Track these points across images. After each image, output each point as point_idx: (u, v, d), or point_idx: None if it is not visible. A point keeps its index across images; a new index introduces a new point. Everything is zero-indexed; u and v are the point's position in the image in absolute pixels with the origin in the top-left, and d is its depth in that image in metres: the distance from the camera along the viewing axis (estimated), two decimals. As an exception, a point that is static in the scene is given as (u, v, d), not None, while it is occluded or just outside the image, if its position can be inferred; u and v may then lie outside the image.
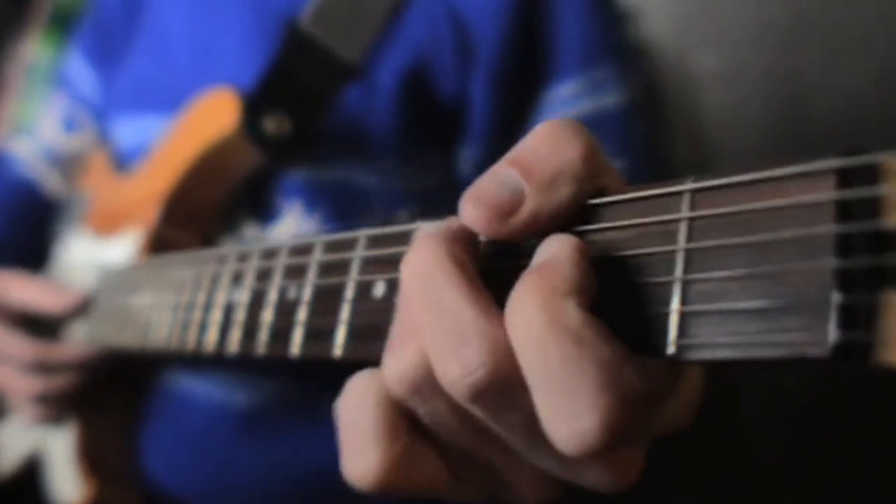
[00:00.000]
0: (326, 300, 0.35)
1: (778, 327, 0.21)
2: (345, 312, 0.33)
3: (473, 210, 0.25)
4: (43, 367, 0.60)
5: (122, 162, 0.70)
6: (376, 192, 0.59)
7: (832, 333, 0.19)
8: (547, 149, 0.25)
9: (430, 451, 0.26)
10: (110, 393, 0.64)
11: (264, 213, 0.60)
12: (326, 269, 0.35)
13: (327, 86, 0.56)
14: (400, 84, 0.57)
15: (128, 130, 0.69)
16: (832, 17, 0.77)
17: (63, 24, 0.90)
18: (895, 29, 0.74)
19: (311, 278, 0.36)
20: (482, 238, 0.27)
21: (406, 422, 0.26)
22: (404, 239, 0.32)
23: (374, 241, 0.33)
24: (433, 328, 0.24)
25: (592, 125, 0.59)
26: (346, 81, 0.57)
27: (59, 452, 0.64)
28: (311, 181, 0.59)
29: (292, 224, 0.59)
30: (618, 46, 0.61)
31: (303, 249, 0.37)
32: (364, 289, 0.33)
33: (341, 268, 0.34)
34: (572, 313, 0.22)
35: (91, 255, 0.65)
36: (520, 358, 0.22)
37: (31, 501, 0.66)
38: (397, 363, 0.25)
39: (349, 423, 0.27)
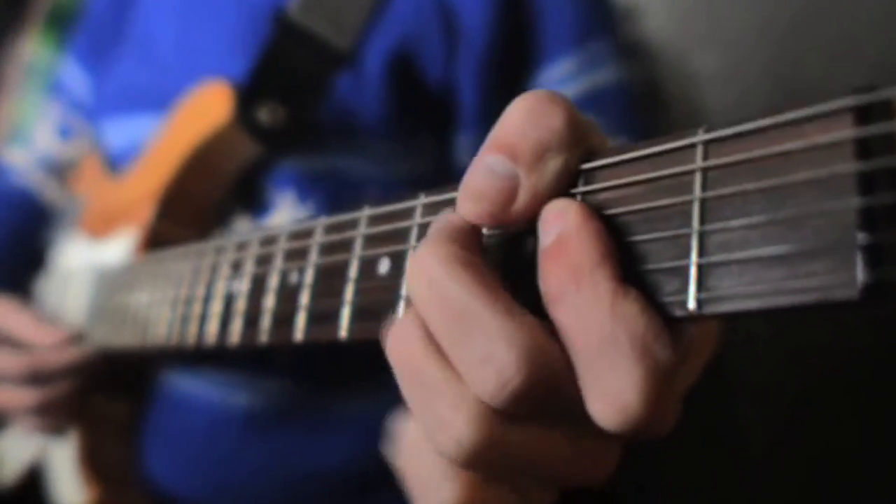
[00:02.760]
0: (329, 281, 0.34)
1: (803, 272, 0.20)
2: (349, 292, 0.32)
3: (472, 206, 0.24)
4: (37, 378, 0.59)
5: (114, 164, 0.69)
6: (368, 179, 0.59)
7: (860, 273, 0.19)
8: (527, 125, 0.24)
9: (498, 487, 0.26)
10: (110, 397, 0.63)
11: (256, 204, 0.59)
12: (328, 249, 0.35)
13: (319, 73, 0.56)
14: (387, 68, 0.57)
15: (117, 132, 0.68)
16: (831, 16, 0.77)
17: (61, 24, 0.89)
18: (894, 27, 0.74)
19: (313, 259, 0.35)
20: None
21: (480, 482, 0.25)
22: (407, 214, 0.31)
23: (376, 220, 0.32)
24: (460, 342, 0.23)
25: (591, 103, 0.58)
26: (337, 68, 0.56)
27: (62, 459, 0.63)
28: (302, 171, 0.58)
29: (285, 214, 0.58)
30: (610, 23, 0.60)
31: (303, 233, 0.37)
32: (368, 266, 0.32)
33: (344, 247, 0.34)
34: (603, 288, 0.22)
35: (87, 258, 0.64)
36: (563, 340, 0.22)
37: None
38: (450, 436, 0.24)
39: (414, 472, 0.26)
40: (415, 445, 0.26)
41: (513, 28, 0.57)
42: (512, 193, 0.24)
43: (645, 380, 0.21)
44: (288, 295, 0.36)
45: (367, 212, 0.33)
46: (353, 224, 0.33)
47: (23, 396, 0.60)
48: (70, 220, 0.72)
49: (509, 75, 0.58)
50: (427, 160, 0.60)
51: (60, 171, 0.77)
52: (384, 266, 0.31)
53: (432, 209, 0.30)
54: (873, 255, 0.19)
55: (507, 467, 0.25)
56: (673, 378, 0.22)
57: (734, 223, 0.21)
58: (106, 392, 0.62)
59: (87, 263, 0.64)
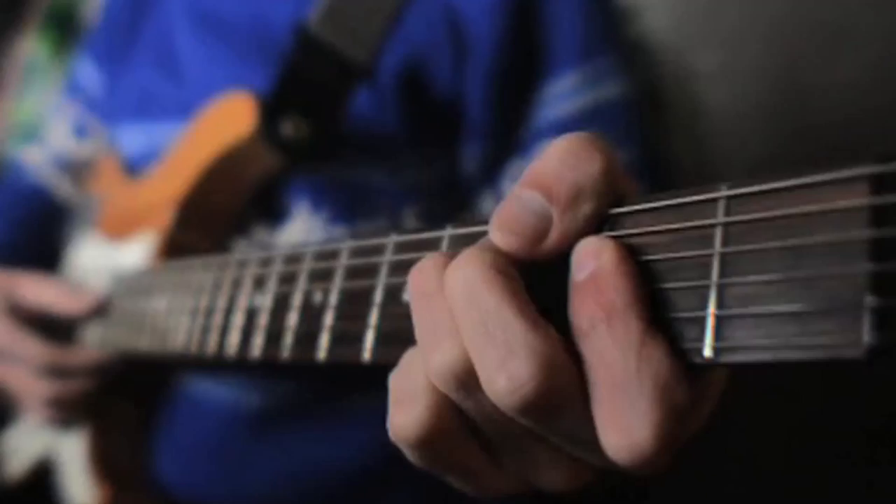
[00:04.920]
0: (354, 304, 0.35)
1: (813, 330, 0.21)
2: (373, 317, 0.34)
3: (503, 238, 0.25)
4: (57, 371, 0.60)
5: (130, 168, 0.70)
6: (381, 189, 0.60)
7: (867, 335, 0.20)
8: (566, 167, 0.25)
9: (470, 435, 0.27)
10: (122, 397, 0.64)
11: (273, 214, 0.60)
12: (353, 273, 0.36)
13: (340, 86, 0.57)
14: (398, 81, 0.58)
15: (134, 137, 0.70)
16: (831, 15, 0.77)
17: (59, 23, 0.91)
18: (893, 26, 0.74)
19: (338, 282, 0.36)
20: None
21: (449, 406, 0.26)
22: (434, 244, 0.32)
23: (403, 247, 0.34)
24: (480, 339, 0.24)
25: (595, 117, 0.60)
26: (357, 81, 0.57)
27: (72, 457, 0.64)
28: (317, 181, 0.59)
29: (301, 224, 0.59)
30: (615, 38, 0.61)
31: (328, 255, 0.38)
32: (393, 293, 0.33)
33: (369, 272, 0.35)
34: (634, 327, 0.23)
35: (103, 259, 0.66)
36: (586, 370, 0.23)
37: (43, 506, 0.67)
38: (441, 358, 0.25)
39: (398, 386, 0.28)
40: (413, 370, 0.27)
41: (520, 42, 0.58)
42: (544, 232, 0.25)
43: (662, 421, 0.22)
44: (311, 315, 0.37)
45: (393, 238, 0.34)
46: (379, 250, 0.35)
47: (38, 386, 0.61)
48: (86, 220, 0.74)
49: (516, 88, 0.59)
50: (437, 170, 0.62)
51: (75, 170, 0.79)
52: (409, 294, 0.32)
53: (460, 241, 0.31)
54: (881, 319, 0.20)
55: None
56: (687, 422, 0.23)
57: (751, 279, 0.23)
58: (119, 393, 0.63)
59: (103, 264, 0.65)
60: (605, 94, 0.58)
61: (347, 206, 0.59)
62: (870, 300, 0.20)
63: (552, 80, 0.58)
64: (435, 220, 0.61)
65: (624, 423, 0.22)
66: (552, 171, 0.25)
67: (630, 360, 0.22)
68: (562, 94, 0.58)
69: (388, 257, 0.34)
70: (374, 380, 0.66)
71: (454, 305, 0.25)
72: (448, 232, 0.32)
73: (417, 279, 0.27)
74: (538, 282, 0.26)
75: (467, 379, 0.25)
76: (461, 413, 0.26)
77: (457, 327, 0.25)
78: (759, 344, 0.22)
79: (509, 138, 0.59)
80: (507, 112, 0.59)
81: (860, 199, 0.21)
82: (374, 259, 0.35)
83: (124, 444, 0.64)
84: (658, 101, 0.83)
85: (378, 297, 0.34)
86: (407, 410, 0.26)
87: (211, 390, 0.64)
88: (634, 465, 0.23)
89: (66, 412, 0.62)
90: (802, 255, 0.22)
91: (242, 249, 0.60)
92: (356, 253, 0.36)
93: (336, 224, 0.59)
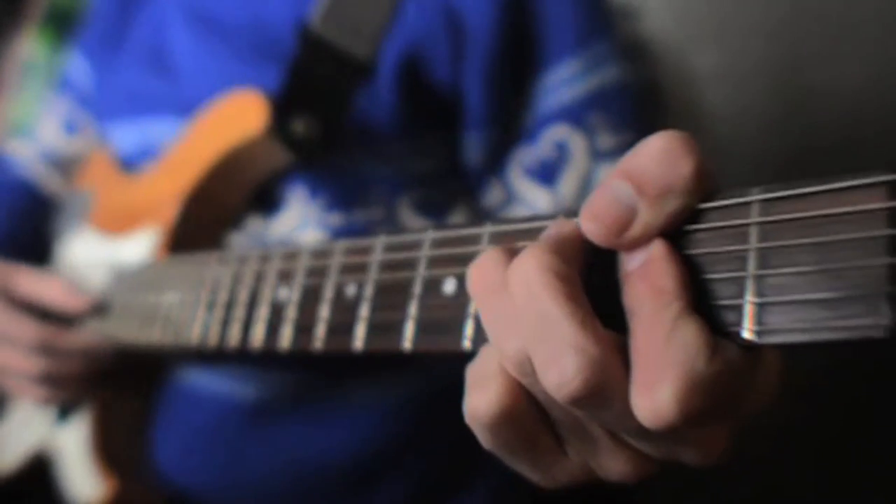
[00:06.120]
0: (391, 296, 0.37)
1: (842, 314, 0.25)
2: (413, 308, 0.35)
3: (589, 224, 0.27)
4: (50, 350, 0.60)
5: (124, 164, 0.70)
6: (378, 177, 0.61)
7: (887, 318, 0.24)
8: (659, 164, 0.27)
9: (540, 419, 0.29)
10: (123, 388, 0.64)
11: (267, 203, 0.61)
12: (389, 266, 0.38)
13: (345, 85, 0.58)
14: (397, 73, 0.59)
15: (127, 134, 0.69)
16: (833, 14, 0.79)
17: (59, 23, 0.89)
18: (891, 24, 0.77)
19: (373, 275, 0.38)
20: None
21: (520, 389, 0.29)
22: (474, 241, 0.34)
23: (441, 243, 0.36)
24: (535, 334, 0.27)
25: (599, 101, 0.62)
26: (362, 78, 0.58)
27: (71, 450, 0.64)
28: (313, 168, 0.60)
29: (297, 212, 0.60)
30: (610, 24, 0.63)
31: (360, 250, 0.39)
32: (433, 285, 0.35)
33: (406, 265, 0.37)
34: (675, 306, 0.26)
35: (100, 253, 0.65)
36: (631, 345, 0.26)
37: (40, 501, 0.66)
38: (510, 346, 0.28)
39: (475, 373, 0.30)
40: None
41: (517, 31, 0.60)
42: (628, 222, 0.27)
43: (683, 386, 0.25)
44: (345, 306, 0.39)
45: (430, 234, 0.36)
46: (416, 245, 0.37)
47: (29, 363, 0.60)
48: (75, 214, 0.73)
49: (515, 77, 0.60)
50: (434, 159, 0.63)
51: (65, 165, 0.78)
52: (450, 286, 0.35)
53: (498, 238, 0.34)
54: None
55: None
56: (711, 396, 0.25)
57: (785, 270, 0.26)
58: (119, 382, 0.63)
59: (99, 258, 0.65)
60: (607, 78, 0.60)
61: (344, 194, 0.60)
62: (889, 288, 0.24)
63: (552, 68, 0.60)
64: (431, 208, 0.63)
65: (649, 384, 0.25)
66: (645, 165, 0.27)
67: (664, 332, 0.25)
68: (564, 81, 0.60)
69: (425, 252, 0.36)
70: (368, 372, 0.67)
71: (516, 302, 0.27)
72: (488, 229, 0.34)
73: (480, 274, 0.29)
74: (596, 274, 0.29)
75: (533, 367, 0.27)
76: (531, 397, 0.29)
77: (521, 322, 0.27)
78: (795, 327, 0.25)
79: (512, 126, 0.61)
80: (508, 101, 0.61)
81: (879, 202, 0.25)
82: (411, 254, 0.37)
83: (126, 434, 0.64)
84: (658, 101, 0.85)
85: (417, 288, 0.36)
86: (482, 393, 0.29)
87: (207, 381, 0.65)
88: (656, 426, 0.25)
89: (57, 391, 0.61)
90: (830, 250, 0.25)
91: (243, 245, 0.61)
92: (390, 248, 0.38)
93: (332, 211, 0.60)
